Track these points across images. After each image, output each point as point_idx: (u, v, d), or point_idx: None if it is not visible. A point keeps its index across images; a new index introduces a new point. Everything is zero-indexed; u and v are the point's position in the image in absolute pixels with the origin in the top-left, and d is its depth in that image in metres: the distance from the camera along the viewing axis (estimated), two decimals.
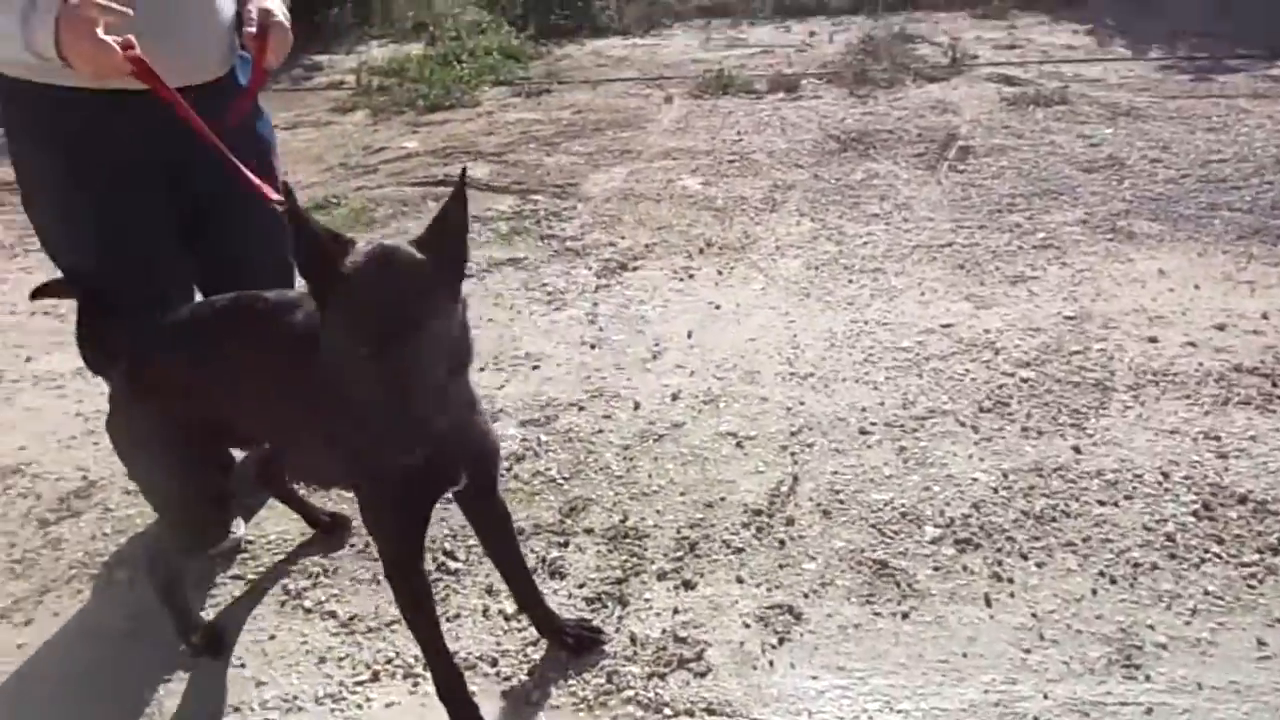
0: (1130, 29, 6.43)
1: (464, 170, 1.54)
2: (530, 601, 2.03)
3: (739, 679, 1.95)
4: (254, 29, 2.02)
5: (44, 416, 3.02)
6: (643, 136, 5.18)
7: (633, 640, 2.05)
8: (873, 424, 2.66)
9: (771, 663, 1.98)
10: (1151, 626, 1.98)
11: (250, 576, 2.32)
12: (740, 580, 2.19)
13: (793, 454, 2.58)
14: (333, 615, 2.18)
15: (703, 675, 1.97)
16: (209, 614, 2.21)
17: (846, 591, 2.14)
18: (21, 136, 2.06)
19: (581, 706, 1.93)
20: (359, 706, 1.96)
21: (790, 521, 2.35)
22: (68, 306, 3.70)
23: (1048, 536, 2.24)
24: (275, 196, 1.88)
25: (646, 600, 2.16)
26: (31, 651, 2.15)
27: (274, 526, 2.46)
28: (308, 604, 2.23)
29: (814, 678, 1.94)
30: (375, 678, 2.02)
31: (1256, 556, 2.12)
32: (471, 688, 1.96)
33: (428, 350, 1.41)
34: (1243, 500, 2.27)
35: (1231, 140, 4.36)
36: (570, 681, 1.98)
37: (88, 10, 1.71)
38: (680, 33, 7.68)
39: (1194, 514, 2.25)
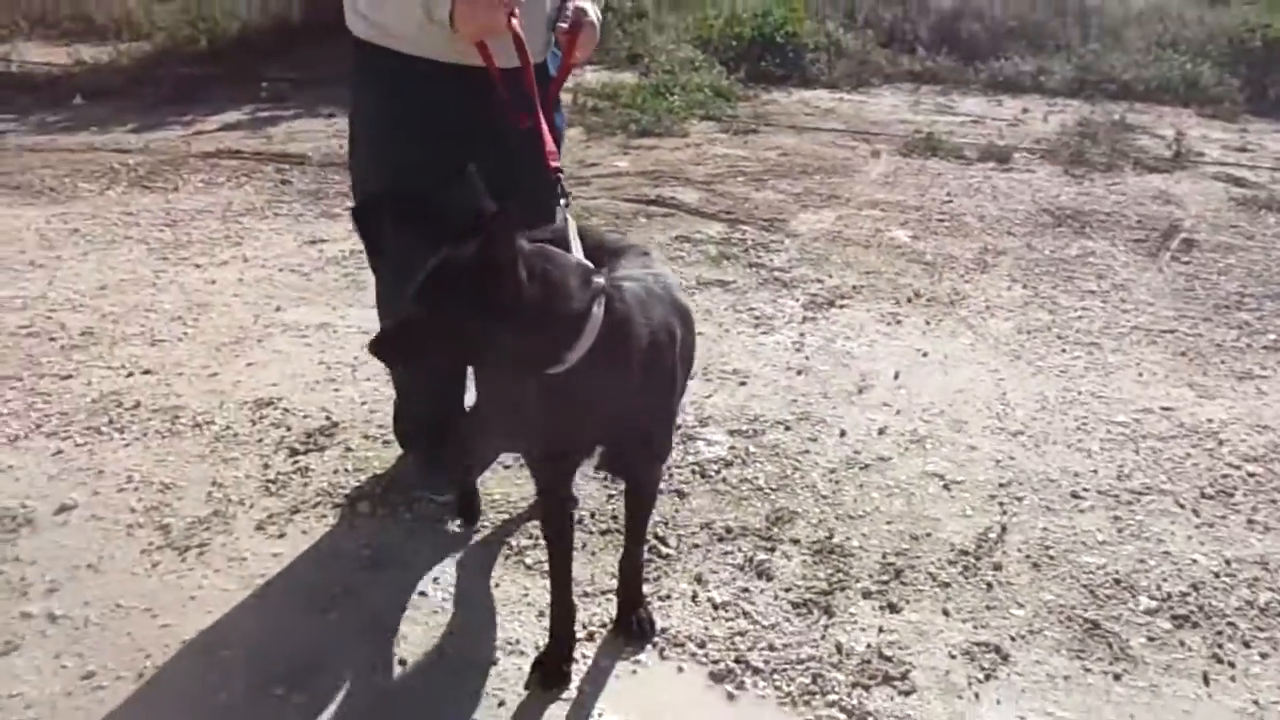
0: None
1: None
2: (629, 569, 2.13)
3: (944, 704, 1.98)
4: (568, 25, 2.22)
5: (292, 360, 3.32)
6: (849, 184, 5.27)
7: (838, 649, 2.11)
8: (1085, 490, 2.65)
9: (977, 695, 2.01)
10: None
11: (475, 530, 2.49)
12: (946, 613, 2.22)
13: (1001, 504, 2.59)
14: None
15: (907, 694, 2.01)
16: (442, 556, 2.39)
17: (1056, 644, 2.14)
18: (364, 91, 2.32)
19: (786, 701, 1.99)
20: (575, 661, 2.08)
21: (998, 567, 2.36)
22: (312, 266, 4.09)
23: (1273, 629, 2.18)
24: (555, 164, 2.07)
25: (852, 615, 2.21)
26: (286, 563, 2.36)
27: (498, 488, 2.63)
28: (529, 561, 2.38)
29: (1021, 718, 1.95)
30: (590, 637, 2.14)
31: None
32: (680, 663, 2.07)
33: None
34: None
35: None
36: (775, 676, 2.05)
37: None
38: (889, 93, 7.76)
39: None
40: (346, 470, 2.72)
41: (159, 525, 2.48)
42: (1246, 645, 2.13)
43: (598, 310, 1.73)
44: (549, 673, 2.04)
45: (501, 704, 1.97)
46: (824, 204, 4.93)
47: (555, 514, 2.06)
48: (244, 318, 3.63)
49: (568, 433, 1.91)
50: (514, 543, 2.44)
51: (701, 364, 3.26)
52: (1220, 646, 2.13)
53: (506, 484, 2.64)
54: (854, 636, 2.15)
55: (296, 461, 2.75)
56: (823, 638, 2.15)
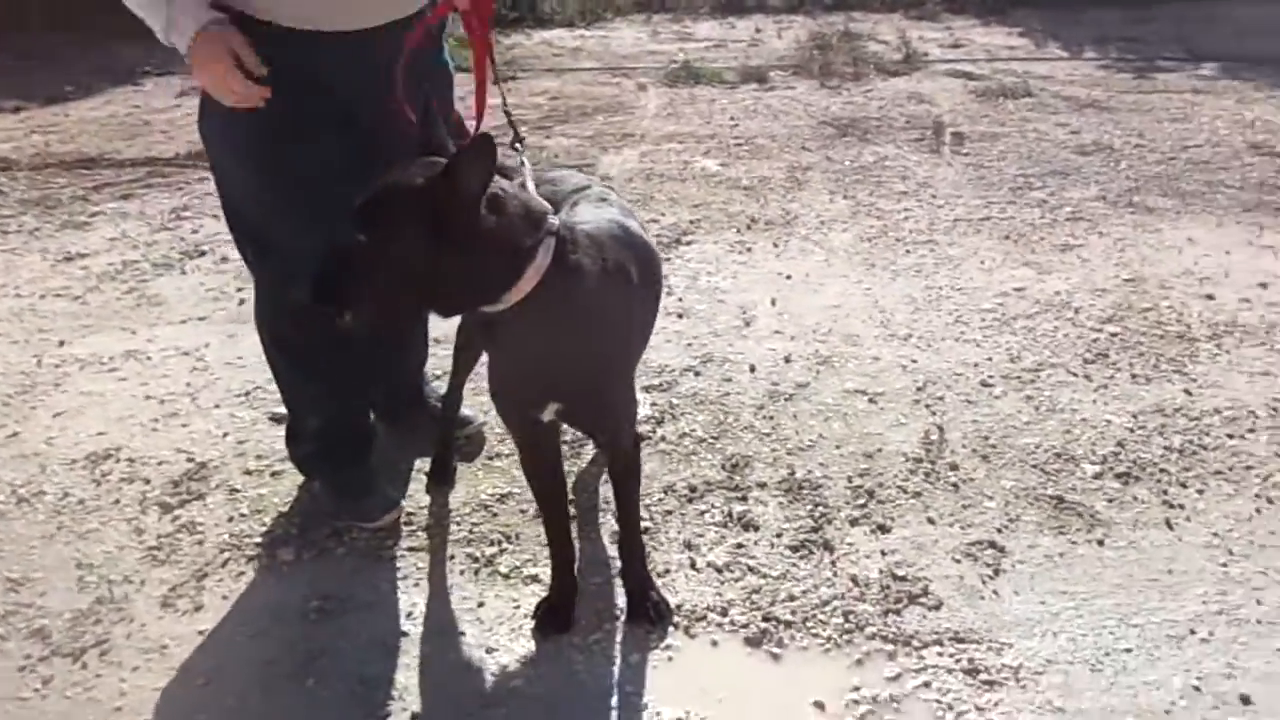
0: (1059, 34, 6.89)
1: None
2: (630, 554, 2.03)
3: (972, 609, 2.01)
4: None
5: (110, 400, 2.79)
6: (635, 121, 5.21)
7: (855, 582, 2.09)
8: (991, 377, 2.79)
9: (996, 592, 2.06)
10: None
11: (427, 549, 2.22)
12: (932, 521, 2.26)
13: (927, 406, 2.67)
14: (535, 579, 2.12)
15: (936, 608, 2.02)
16: (402, 587, 2.11)
17: (1037, 526, 2.23)
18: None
19: (829, 646, 1.94)
20: (607, 656, 1.91)
21: (954, 467, 2.43)
22: (84, 287, 3.46)
23: (1196, 467, 2.40)
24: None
25: (850, 545, 2.19)
26: (222, 639, 1.99)
27: (428, 499, 2.37)
28: (503, 569, 2.15)
29: (1042, 603, 2.02)
30: (600, 625, 1.98)
31: None
32: (712, 637, 1.97)
33: None
34: None
35: (1198, 129, 4.76)
36: (809, 624, 1.99)
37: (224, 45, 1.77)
38: (625, 26, 7.74)
39: None
40: (242, 515, 2.33)
41: (31, 632, 2.01)
42: (1184, 486, 2.34)
43: (544, 252, 1.60)
44: (550, 618, 1.98)
45: None
46: (621, 143, 4.84)
47: (534, 469, 1.97)
48: (22, 361, 3.01)
49: (510, 379, 1.82)
50: (478, 553, 2.20)
51: None
52: (1165, 492, 2.32)
53: (442, 493, 2.38)
54: (863, 566, 2.13)
55: (176, 518, 2.32)
56: (835, 575, 2.11)
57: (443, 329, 2.50)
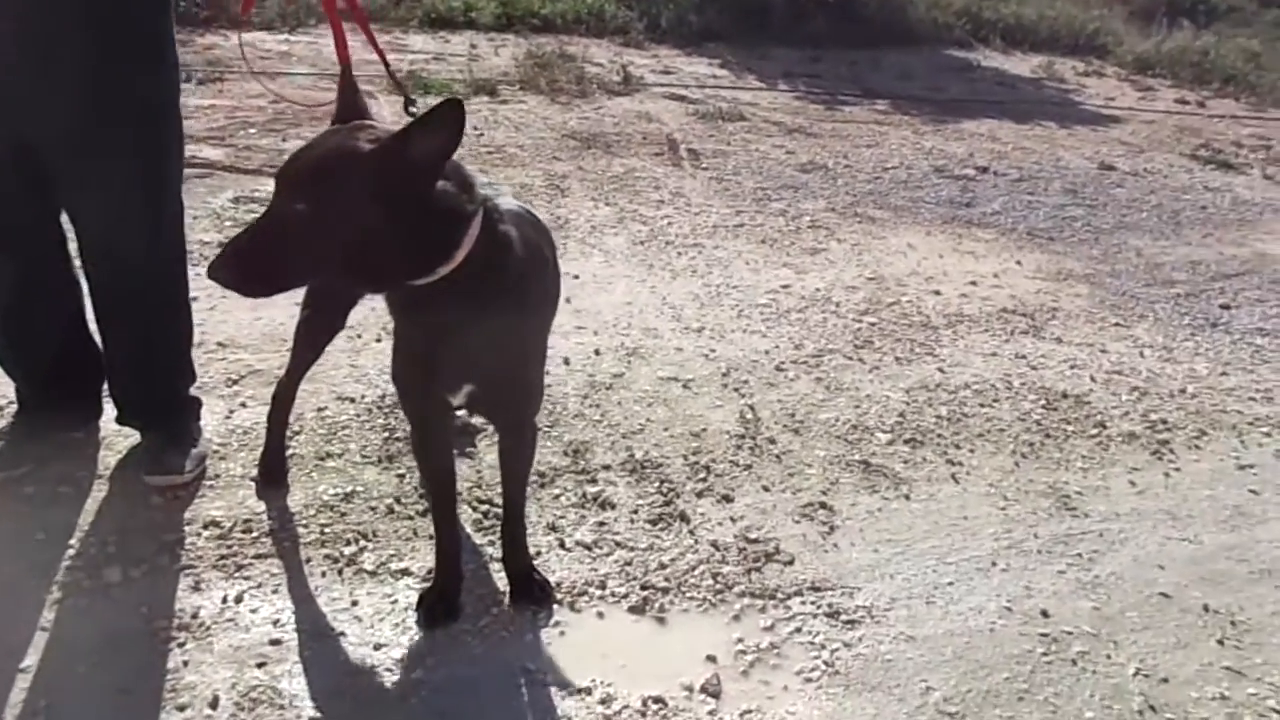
0: (752, 67, 7.57)
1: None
2: (514, 537, 2.02)
3: (820, 561, 2.22)
4: None
5: None
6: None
7: (715, 547, 2.23)
8: (783, 363, 3.06)
9: (836, 545, 2.29)
10: (1066, 482, 2.61)
11: (276, 554, 2.06)
12: (766, 489, 2.46)
13: (736, 390, 2.88)
14: (406, 573, 2.04)
15: (790, 564, 2.21)
16: (260, 595, 1.95)
17: (853, 487, 2.50)
18: None
19: (706, 606, 2.06)
20: (501, 638, 1.90)
21: (772, 441, 2.65)
22: None
23: (963, 431, 2.80)
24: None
25: (703, 515, 2.33)
26: (48, 673, 1.73)
27: (262, 505, 2.20)
28: (368, 566, 2.06)
29: (875, 551, 2.28)
30: (487, 610, 1.96)
31: (1096, 430, 2.87)
32: (596, 609, 2.02)
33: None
34: (1064, 395, 3.04)
35: (890, 154, 5.46)
36: (684, 589, 2.10)
37: None
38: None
39: (1044, 407, 2.96)
40: (39, 541, 2.03)
41: None
42: (958, 448, 2.72)
43: (475, 222, 1.56)
44: (437, 607, 1.93)
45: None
46: None
47: (427, 454, 1.91)
48: None
49: (423, 360, 1.72)
50: (336, 553, 2.08)
51: (385, 325, 3.00)
52: (945, 453, 2.69)
53: (278, 496, 2.22)
54: (718, 532, 2.28)
55: None
56: (696, 542, 2.24)
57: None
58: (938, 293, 3.69)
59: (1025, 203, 4.89)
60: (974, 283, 3.82)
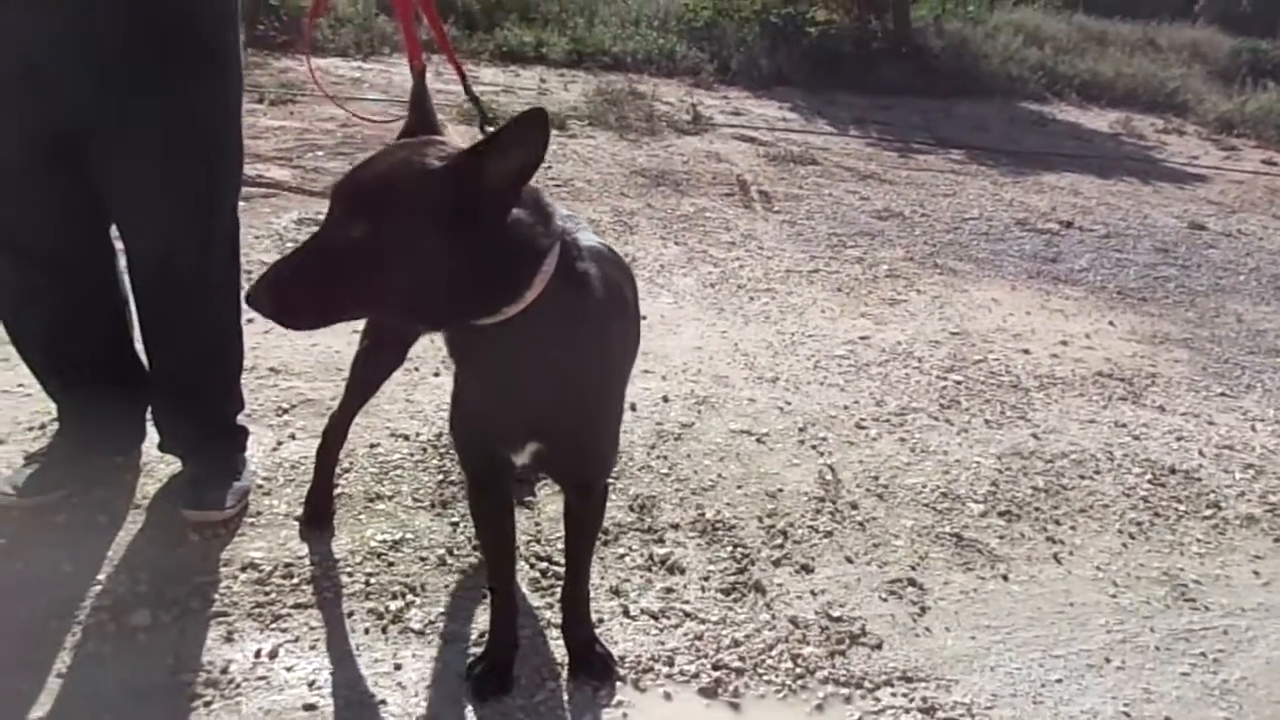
0: (823, 111, 7.43)
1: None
2: (576, 603, 1.83)
3: (912, 646, 2.00)
4: None
5: None
6: None
7: (794, 624, 2.01)
8: (864, 420, 2.85)
9: (929, 629, 2.06)
10: (1181, 568, 2.36)
11: (317, 605, 1.89)
12: (850, 560, 2.24)
13: (814, 447, 2.67)
14: (456, 636, 1.86)
15: (877, 648, 1.98)
16: (296, 651, 1.77)
17: (945, 563, 2.27)
18: None
19: (785, 692, 1.85)
20: (558, 717, 1.70)
21: (854, 506, 2.44)
22: None
23: (1063, 505, 2.56)
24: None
25: (780, 586, 2.12)
26: None
27: (305, 549, 2.03)
28: (415, 625, 1.87)
29: (972, 638, 2.05)
30: (542, 684, 1.77)
31: (1210, 511, 2.61)
32: (663, 689, 1.81)
33: None
34: (1172, 471, 2.78)
35: (969, 204, 5.25)
36: (760, 671, 1.89)
37: None
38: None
39: (1150, 482, 2.71)
40: (65, 573, 1.88)
41: None
42: (1058, 524, 2.48)
43: (552, 257, 1.38)
44: (486, 677, 1.74)
45: None
46: None
47: (485, 514, 1.74)
48: None
49: (485, 409, 1.55)
50: (381, 607, 1.90)
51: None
52: (1045, 529, 2.45)
53: (322, 540, 2.05)
54: (797, 607, 2.06)
55: None
56: (773, 617, 2.02)
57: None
58: (1027, 351, 3.45)
59: (1114, 260, 4.64)
60: (1064, 343, 3.58)
